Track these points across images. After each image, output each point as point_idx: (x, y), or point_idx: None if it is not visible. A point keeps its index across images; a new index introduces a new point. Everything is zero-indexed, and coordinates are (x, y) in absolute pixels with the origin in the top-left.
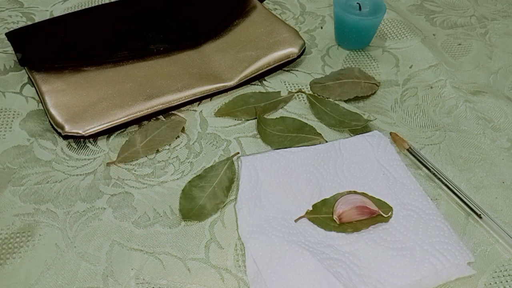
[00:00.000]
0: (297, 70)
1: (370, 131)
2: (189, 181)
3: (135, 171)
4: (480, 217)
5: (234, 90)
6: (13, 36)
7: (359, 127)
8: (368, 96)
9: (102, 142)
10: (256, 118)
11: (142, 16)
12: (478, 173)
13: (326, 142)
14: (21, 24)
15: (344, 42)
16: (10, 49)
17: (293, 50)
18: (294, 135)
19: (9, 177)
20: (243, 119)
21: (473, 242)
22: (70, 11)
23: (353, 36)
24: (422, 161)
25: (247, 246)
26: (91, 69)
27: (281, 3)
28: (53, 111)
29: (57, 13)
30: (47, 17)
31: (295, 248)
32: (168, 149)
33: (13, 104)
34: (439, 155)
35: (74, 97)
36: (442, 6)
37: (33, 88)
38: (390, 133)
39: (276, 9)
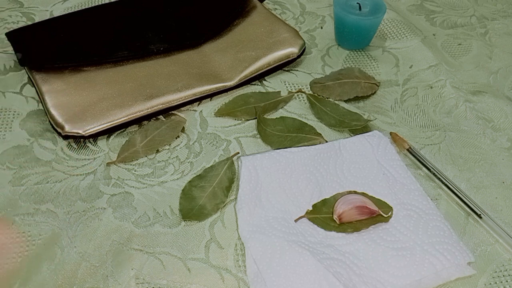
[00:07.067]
0: (297, 70)
1: (370, 131)
2: (189, 181)
3: (135, 171)
4: (480, 217)
5: (234, 90)
6: (13, 36)
7: (359, 127)
8: (368, 96)
9: (102, 142)
10: (256, 118)
11: (142, 16)
12: (478, 173)
13: (326, 142)
14: (21, 24)
15: (344, 42)
16: (10, 49)
17: (293, 50)
18: (294, 135)
19: (9, 177)
20: (243, 119)
21: (473, 242)
22: (70, 11)
23: (353, 36)
24: (422, 161)
25: (247, 246)
26: (91, 69)
27: (281, 3)
28: (53, 111)
29: (57, 13)
30: (47, 17)
31: (295, 248)
32: (168, 149)
33: (13, 104)
34: (439, 155)
35: (74, 97)
36: (442, 6)
37: (33, 88)
38: (390, 133)
39: (276, 9)
